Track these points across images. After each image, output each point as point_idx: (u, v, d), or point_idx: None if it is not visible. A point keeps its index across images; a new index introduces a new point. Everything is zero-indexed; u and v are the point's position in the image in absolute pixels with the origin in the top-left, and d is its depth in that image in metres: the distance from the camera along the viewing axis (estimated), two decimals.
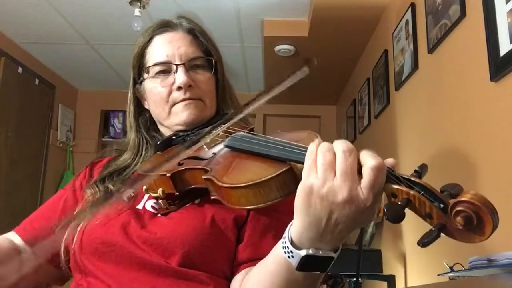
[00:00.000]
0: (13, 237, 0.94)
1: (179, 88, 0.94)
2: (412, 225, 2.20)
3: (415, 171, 0.58)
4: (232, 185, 0.67)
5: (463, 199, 0.52)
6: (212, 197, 0.74)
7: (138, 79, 1.01)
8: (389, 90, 2.73)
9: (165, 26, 0.99)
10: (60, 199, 0.98)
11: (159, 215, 0.84)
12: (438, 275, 1.56)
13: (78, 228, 0.86)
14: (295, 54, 3.46)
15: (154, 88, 0.96)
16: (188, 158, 0.81)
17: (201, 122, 0.95)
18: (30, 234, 0.94)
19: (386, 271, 2.54)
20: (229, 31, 3.41)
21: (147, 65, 0.97)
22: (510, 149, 1.41)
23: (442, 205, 0.54)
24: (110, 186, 0.93)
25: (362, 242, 2.55)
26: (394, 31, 2.62)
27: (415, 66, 2.26)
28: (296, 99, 4.55)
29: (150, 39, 0.99)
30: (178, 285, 0.77)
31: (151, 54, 0.98)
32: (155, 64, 0.96)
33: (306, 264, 0.60)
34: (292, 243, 0.61)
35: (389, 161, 0.58)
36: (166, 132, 1.00)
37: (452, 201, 0.53)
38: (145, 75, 0.98)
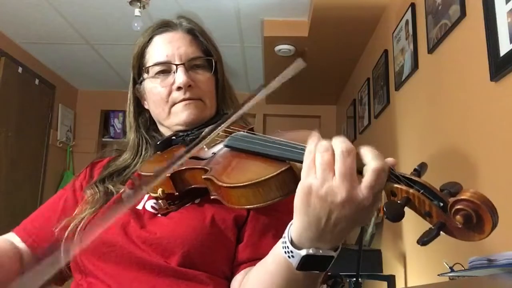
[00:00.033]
0: (13, 238, 0.94)
1: (179, 88, 0.93)
2: (412, 225, 2.20)
3: (415, 169, 0.58)
4: (232, 185, 0.67)
5: (462, 197, 0.52)
6: (212, 197, 0.74)
7: (138, 79, 1.01)
8: (389, 90, 2.73)
9: (165, 26, 0.99)
10: (60, 199, 0.98)
11: (159, 215, 0.84)
12: (438, 275, 1.56)
13: (78, 228, 0.86)
14: (295, 54, 3.46)
15: (154, 88, 0.96)
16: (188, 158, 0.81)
17: (201, 122, 0.95)
18: (30, 235, 0.93)
19: (386, 271, 2.54)
20: (229, 31, 3.41)
21: (147, 65, 0.97)
22: (510, 149, 1.41)
23: (441, 204, 0.54)
24: (110, 187, 0.92)
25: (362, 242, 2.55)
26: (394, 31, 2.62)
27: (415, 66, 2.26)
28: (296, 99, 4.55)
29: (150, 39, 0.99)
30: (177, 285, 0.77)
31: (151, 54, 0.98)
32: (155, 64, 0.96)
33: (306, 263, 0.60)
34: (292, 243, 0.61)
35: (389, 160, 0.58)
36: (166, 132, 1.00)
37: (451, 199, 0.53)
38: (145, 75, 0.98)
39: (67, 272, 0.90)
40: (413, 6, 2.33)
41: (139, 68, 1.00)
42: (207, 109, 0.97)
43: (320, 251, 0.60)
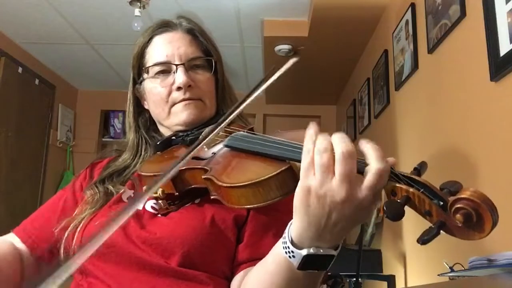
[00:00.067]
0: (13, 238, 0.94)
1: (178, 88, 0.93)
2: (412, 225, 2.20)
3: (415, 168, 0.57)
4: (232, 185, 0.67)
5: (462, 196, 0.52)
6: (212, 197, 0.74)
7: (138, 79, 1.01)
8: (389, 90, 2.73)
9: (164, 26, 0.99)
10: (60, 200, 0.98)
11: (159, 215, 0.84)
12: (438, 275, 1.56)
13: (78, 229, 0.86)
14: (295, 54, 3.46)
15: (153, 88, 0.96)
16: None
17: (201, 122, 0.95)
18: (30, 236, 0.93)
19: (386, 271, 2.54)
20: (229, 31, 3.41)
21: (147, 65, 0.97)
22: (510, 149, 1.41)
23: (441, 203, 0.54)
24: (110, 187, 0.92)
25: (362, 242, 2.55)
26: (394, 31, 2.62)
27: (415, 66, 2.26)
28: (296, 99, 4.56)
29: (150, 39, 0.98)
30: (177, 285, 0.77)
31: (151, 54, 0.98)
32: (155, 64, 0.96)
33: (307, 263, 0.60)
34: (292, 242, 0.61)
35: (390, 160, 0.58)
36: (166, 132, 1.00)
37: (451, 198, 0.53)
38: (145, 75, 0.98)
39: None
40: (413, 6, 2.33)
41: (139, 68, 1.00)
42: (207, 109, 0.97)
43: (321, 250, 0.60)
